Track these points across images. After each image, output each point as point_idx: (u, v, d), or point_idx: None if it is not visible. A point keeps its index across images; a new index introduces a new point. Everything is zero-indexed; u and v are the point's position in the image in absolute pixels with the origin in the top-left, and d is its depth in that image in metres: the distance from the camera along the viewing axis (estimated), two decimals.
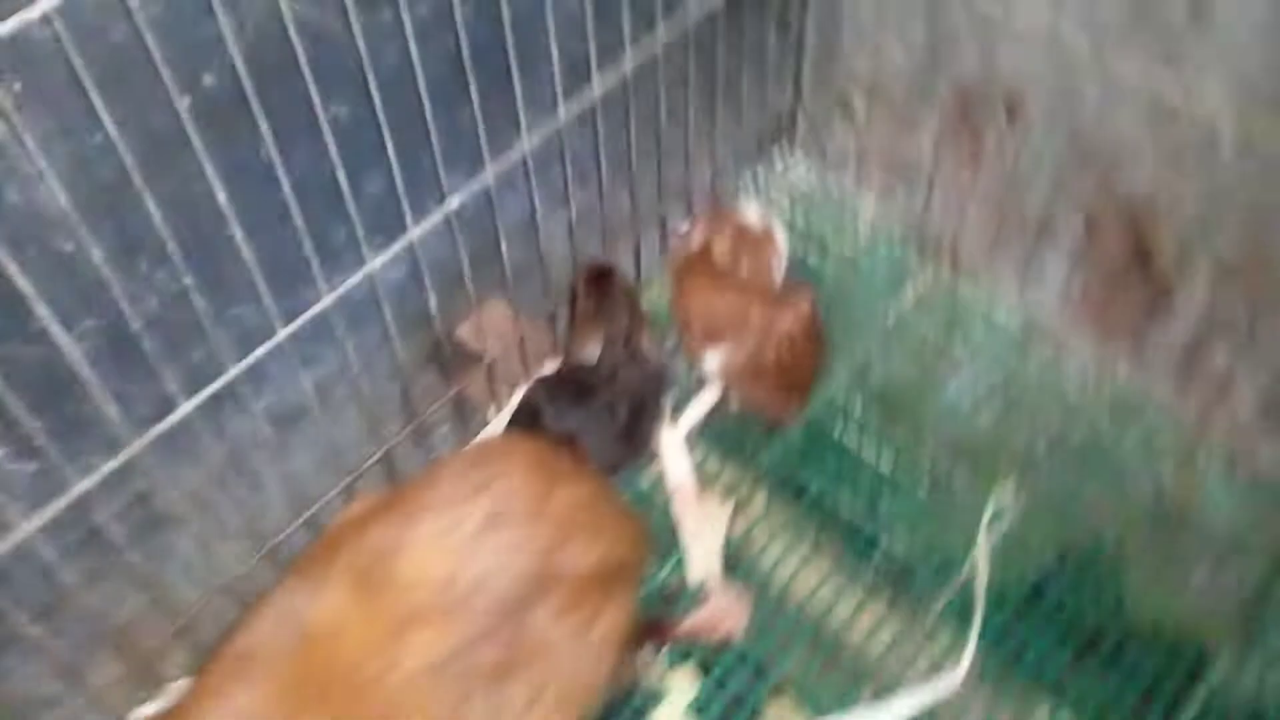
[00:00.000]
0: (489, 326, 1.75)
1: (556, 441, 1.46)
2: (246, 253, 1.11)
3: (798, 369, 1.63)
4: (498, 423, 1.73)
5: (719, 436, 1.67)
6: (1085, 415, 1.65)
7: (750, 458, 1.73)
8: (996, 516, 1.63)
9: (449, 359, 1.67)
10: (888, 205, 1.95)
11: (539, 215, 1.51)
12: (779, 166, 2.06)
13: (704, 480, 1.61)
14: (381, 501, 1.36)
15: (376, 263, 1.35)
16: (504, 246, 1.48)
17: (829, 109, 2.01)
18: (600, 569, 1.36)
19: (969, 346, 1.82)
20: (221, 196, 1.03)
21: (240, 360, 1.18)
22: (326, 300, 1.31)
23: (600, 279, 1.68)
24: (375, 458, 1.57)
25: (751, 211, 1.71)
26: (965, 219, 1.79)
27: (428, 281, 1.38)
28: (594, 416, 1.59)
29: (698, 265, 1.65)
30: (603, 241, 1.69)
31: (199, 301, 1.10)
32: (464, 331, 1.82)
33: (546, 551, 1.31)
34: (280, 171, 1.08)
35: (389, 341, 1.39)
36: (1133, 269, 1.60)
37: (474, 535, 1.31)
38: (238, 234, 1.08)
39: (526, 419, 1.62)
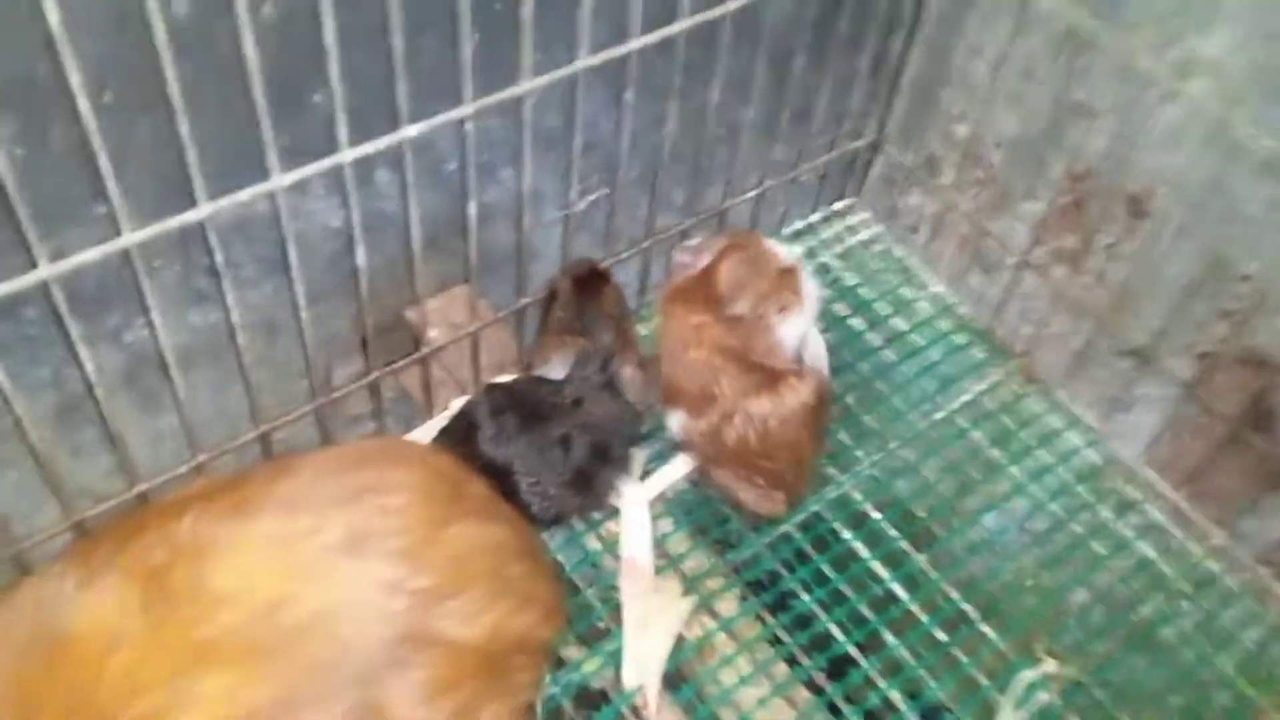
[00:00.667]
0: (441, 313, 1.41)
1: (484, 469, 1.23)
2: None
3: (775, 460, 1.29)
4: (423, 431, 1.37)
5: (693, 510, 1.38)
6: (1159, 586, 1.43)
7: (727, 546, 1.36)
8: (1030, 690, 1.25)
9: (387, 340, 1.33)
10: (959, 288, 1.73)
11: (527, 186, 1.18)
12: (838, 216, 1.72)
13: (665, 560, 1.38)
14: (220, 484, 1.00)
15: (286, 180, 1.02)
16: (473, 215, 1.15)
17: (911, 164, 1.68)
18: (493, 641, 1.00)
19: (1025, 470, 1.45)
20: None
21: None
22: (204, 209, 0.98)
23: (588, 282, 1.34)
24: (248, 437, 1.21)
25: (785, 249, 1.36)
26: (1051, 323, 1.62)
27: (356, 227, 1.05)
28: (542, 448, 1.24)
29: (690, 295, 1.30)
30: (605, 246, 1.35)
31: None
32: (413, 313, 1.48)
33: (424, 603, 0.96)
34: None
35: (304, 295, 1.16)
36: (1247, 430, 1.41)
37: (327, 554, 0.96)
38: None
39: (459, 435, 1.28)
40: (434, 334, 1.51)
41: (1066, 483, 1.49)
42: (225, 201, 1.00)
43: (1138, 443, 1.55)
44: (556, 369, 1.32)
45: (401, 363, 1.33)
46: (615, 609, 1.30)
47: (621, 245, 1.48)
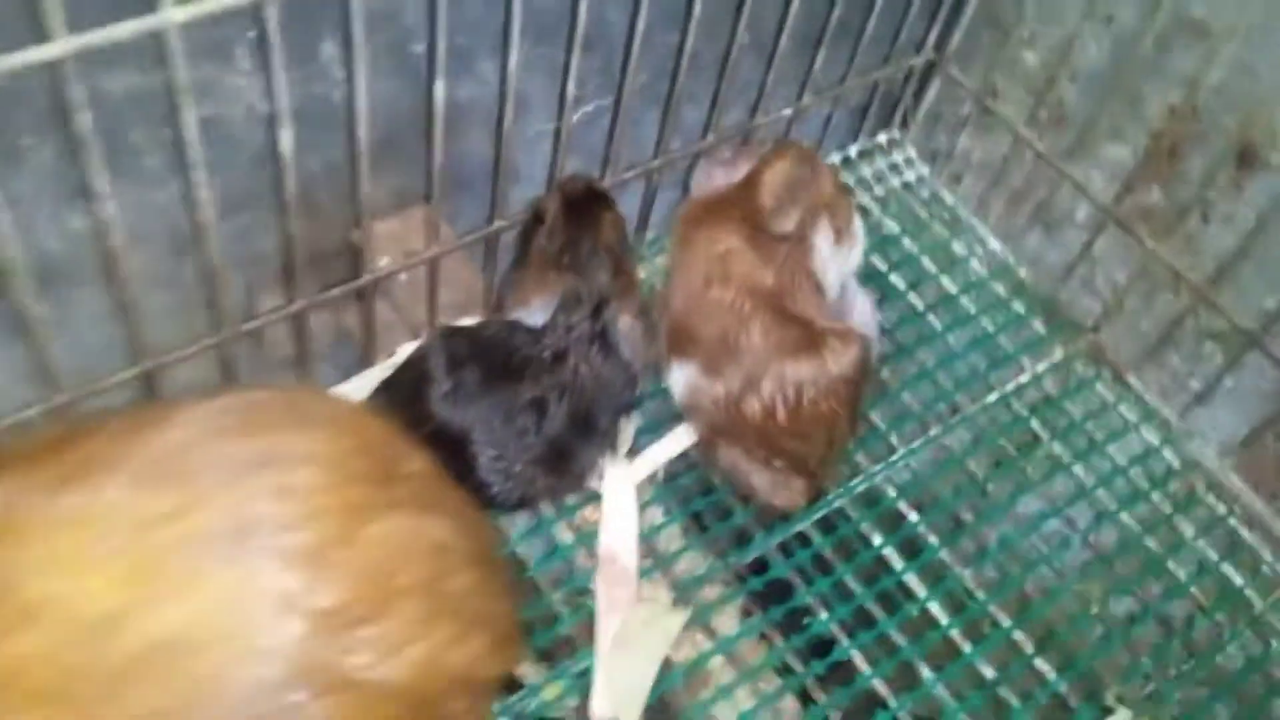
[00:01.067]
0: (395, 238, 1.13)
1: (433, 438, 0.95)
2: None
3: (805, 440, 1.03)
4: (358, 383, 1.10)
5: (690, 498, 1.20)
6: (1247, 619, 1.18)
7: (730, 545, 1.10)
8: None
9: (328, 269, 1.06)
10: (1019, 246, 1.51)
11: (512, 81, 1.01)
12: (881, 150, 1.44)
13: (652, 559, 1.13)
14: (54, 440, 0.73)
15: (178, 15, 0.73)
16: (439, 101, 0.90)
17: (971, 93, 1.41)
18: (424, 682, 0.74)
19: (1090, 470, 1.20)
20: None
21: None
22: (59, 46, 0.69)
23: (583, 206, 1.06)
24: (124, 375, 0.93)
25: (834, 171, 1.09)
26: (1129, 295, 1.37)
27: (280, 97, 0.88)
28: (509, 412, 0.98)
29: (720, 212, 1.07)
30: (605, 164, 1.06)
31: None
32: (360, 236, 1.20)
33: (329, 628, 0.72)
34: None
35: (214, 197, 0.90)
36: None
37: (193, 550, 0.69)
38: None
39: (404, 392, 1.02)
40: (384, 262, 1.23)
41: (1140, 488, 1.23)
42: (94, 37, 0.71)
43: (1225, 445, 1.30)
44: (535, 313, 1.04)
45: (334, 292, 1.05)
46: (587, 619, 1.04)
47: (622, 162, 1.20)
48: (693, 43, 1.12)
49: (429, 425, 1.00)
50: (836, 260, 1.05)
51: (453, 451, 1.00)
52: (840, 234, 1.05)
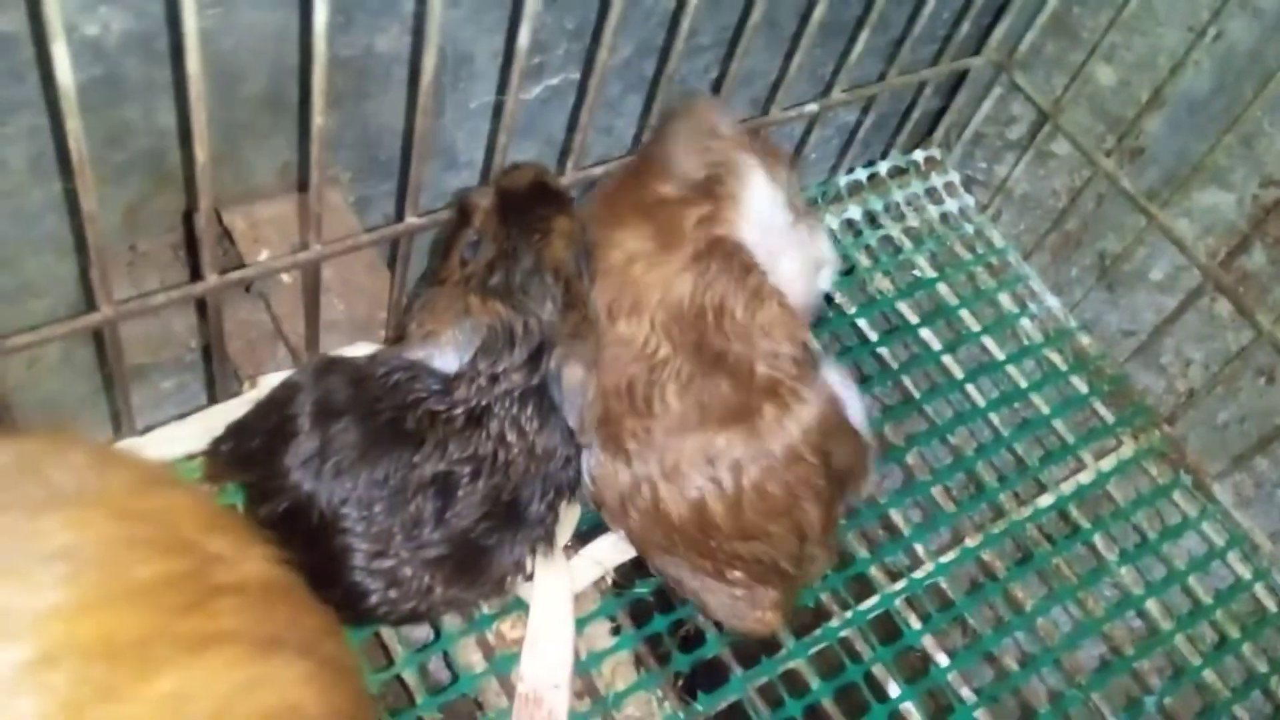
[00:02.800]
0: (282, 223, 0.83)
1: (285, 520, 0.70)
2: None
3: (761, 540, 0.77)
4: (195, 425, 0.78)
5: (646, 614, 0.89)
6: None
7: (697, 687, 0.81)
8: None
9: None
10: (1082, 306, 1.23)
11: (434, 19, 0.70)
12: (918, 171, 1.15)
13: (592, 701, 0.83)
14: None
15: None
16: (319, 29, 0.62)
17: (1036, 109, 1.12)
18: None
19: (1164, 600, 0.92)
20: None
21: None
22: None
23: (526, 208, 0.76)
24: None
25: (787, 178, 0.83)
26: (1219, 381, 1.10)
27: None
28: (399, 492, 0.67)
29: (621, 201, 0.82)
30: (565, 155, 0.78)
31: None
32: (240, 220, 0.91)
33: None
34: None
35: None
36: None
37: None
38: None
39: (259, 443, 0.70)
40: (264, 256, 0.93)
41: (1227, 635, 0.95)
42: None
43: None
44: (447, 351, 0.74)
45: (158, 298, 0.73)
46: None
47: (589, 162, 0.89)
48: (694, 11, 0.82)
49: (282, 500, 0.69)
50: (780, 222, 0.77)
51: (315, 542, 0.69)
52: (776, 174, 0.77)
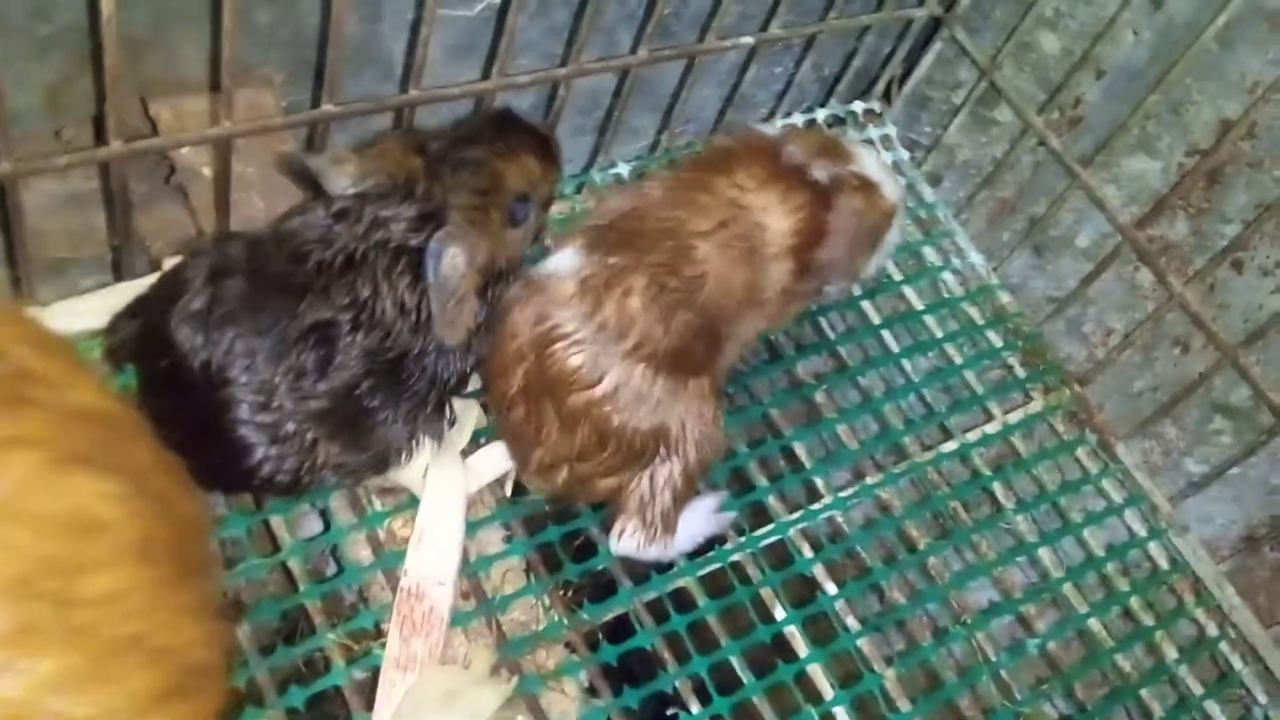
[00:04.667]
0: (197, 115, 0.83)
1: (172, 378, 0.71)
2: None
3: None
4: (101, 300, 0.78)
5: (544, 525, 0.89)
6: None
7: (584, 598, 0.82)
8: None
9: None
10: (1005, 264, 1.20)
11: None
12: (855, 121, 1.17)
13: (478, 601, 0.83)
14: None
15: None
16: None
17: (975, 70, 1.14)
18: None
19: (1058, 555, 0.95)
20: None
21: None
22: None
23: (523, 131, 0.81)
24: None
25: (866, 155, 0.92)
26: (1130, 345, 1.09)
27: None
28: (281, 340, 0.70)
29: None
30: (490, 62, 0.77)
31: None
32: (164, 111, 0.90)
33: None
34: None
35: None
36: None
37: None
38: None
39: (159, 305, 0.72)
40: (185, 152, 0.92)
41: (1116, 589, 0.98)
42: None
43: (1214, 542, 1.04)
44: (343, 180, 0.73)
45: (60, 160, 0.73)
46: (370, 674, 0.74)
47: (514, 70, 0.89)
48: None
49: (168, 355, 0.69)
50: None
51: (201, 398, 0.69)
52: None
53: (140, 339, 0.73)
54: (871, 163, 0.92)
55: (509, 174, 0.77)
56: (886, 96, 1.21)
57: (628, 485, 0.82)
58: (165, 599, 0.53)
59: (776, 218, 0.84)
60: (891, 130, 1.19)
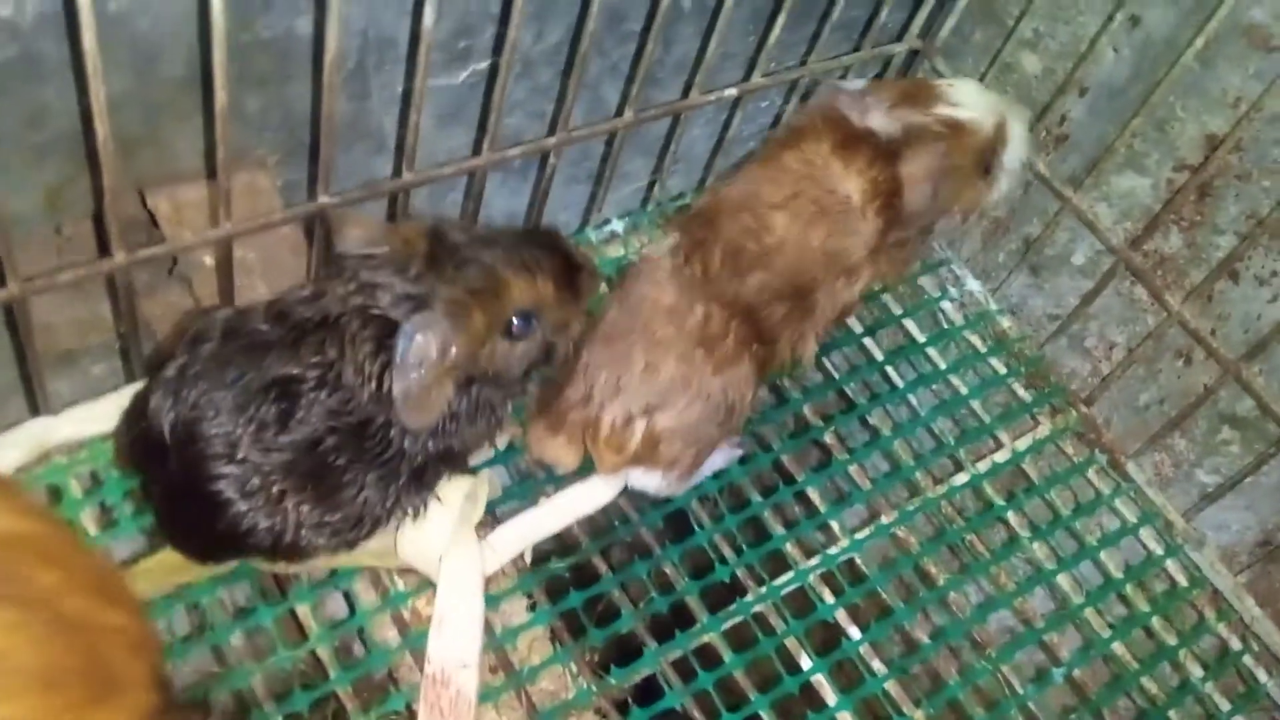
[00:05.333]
0: (204, 206, 0.84)
1: (145, 445, 0.73)
2: None
3: None
4: (113, 402, 0.79)
5: (566, 592, 0.91)
6: None
7: (610, 661, 0.83)
8: None
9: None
10: (1003, 289, 1.23)
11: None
12: None
13: (505, 674, 0.85)
14: None
15: None
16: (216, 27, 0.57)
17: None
18: None
19: (1075, 575, 0.96)
20: None
21: None
22: None
23: (550, 251, 0.80)
24: None
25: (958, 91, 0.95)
26: (1134, 363, 1.10)
27: None
28: (245, 394, 0.71)
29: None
30: (481, 134, 0.80)
31: None
32: (163, 203, 0.91)
33: None
34: None
35: None
36: None
37: None
38: None
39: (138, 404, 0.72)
40: (188, 237, 0.93)
41: (1138, 611, 0.98)
42: None
43: (1230, 550, 1.05)
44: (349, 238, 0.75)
45: (64, 276, 0.74)
46: None
47: (505, 143, 0.90)
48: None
49: (143, 423, 0.71)
50: None
51: (177, 461, 0.71)
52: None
53: (132, 431, 0.74)
54: (964, 97, 0.94)
55: (514, 286, 0.76)
56: None
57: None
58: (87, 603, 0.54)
59: (845, 181, 0.89)
60: None
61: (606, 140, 1.03)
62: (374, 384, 0.71)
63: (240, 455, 0.70)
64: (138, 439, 0.71)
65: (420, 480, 0.77)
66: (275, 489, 0.71)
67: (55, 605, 0.55)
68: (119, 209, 0.76)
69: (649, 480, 0.87)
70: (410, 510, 0.77)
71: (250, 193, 0.97)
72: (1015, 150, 0.96)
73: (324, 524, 0.74)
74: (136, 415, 0.72)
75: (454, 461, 0.79)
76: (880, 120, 0.92)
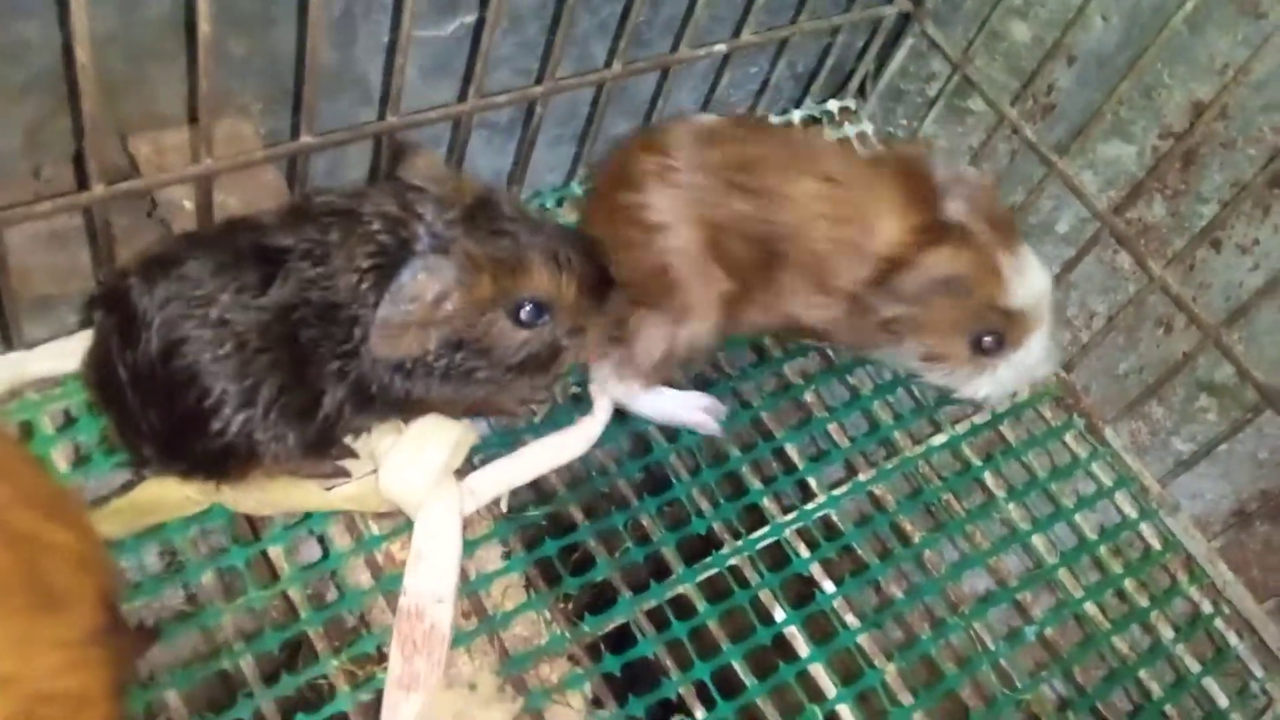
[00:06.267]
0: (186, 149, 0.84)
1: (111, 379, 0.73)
2: None
3: None
4: (87, 339, 0.79)
5: (542, 541, 0.90)
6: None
7: (584, 610, 0.83)
8: None
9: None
10: None
11: None
12: (831, 120, 1.18)
13: (480, 620, 0.84)
14: None
15: None
16: None
17: (948, 62, 1.14)
18: None
19: (1050, 536, 0.97)
20: None
21: None
22: None
23: (586, 253, 0.79)
24: None
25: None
26: (1113, 330, 1.09)
27: None
28: (230, 259, 0.72)
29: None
30: (467, 84, 0.83)
31: None
32: (145, 146, 0.91)
33: None
34: None
35: None
36: None
37: None
38: None
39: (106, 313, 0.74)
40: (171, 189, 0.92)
41: (1111, 573, 0.99)
42: None
43: (1206, 518, 1.06)
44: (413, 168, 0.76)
45: (44, 205, 0.73)
46: (374, 699, 0.75)
47: (490, 90, 0.90)
48: None
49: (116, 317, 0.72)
50: None
51: (151, 341, 0.70)
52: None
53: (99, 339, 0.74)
54: (1031, 280, 0.88)
55: (534, 272, 0.75)
56: (861, 93, 1.21)
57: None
58: (11, 629, 0.55)
59: (888, 223, 0.85)
60: (868, 127, 1.20)
61: (593, 98, 1.02)
62: (357, 278, 0.70)
63: (217, 310, 0.69)
64: (111, 334, 0.71)
65: (368, 402, 0.76)
66: (247, 362, 0.70)
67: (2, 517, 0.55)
68: (99, 151, 0.75)
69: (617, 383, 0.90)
70: (353, 428, 0.78)
71: (233, 139, 0.96)
72: (1027, 357, 0.90)
73: (287, 408, 0.72)
74: (112, 299, 0.72)
75: (408, 408, 0.79)
76: (956, 205, 0.87)
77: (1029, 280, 0.87)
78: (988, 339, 0.88)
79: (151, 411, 0.71)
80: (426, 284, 0.70)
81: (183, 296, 0.70)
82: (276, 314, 0.70)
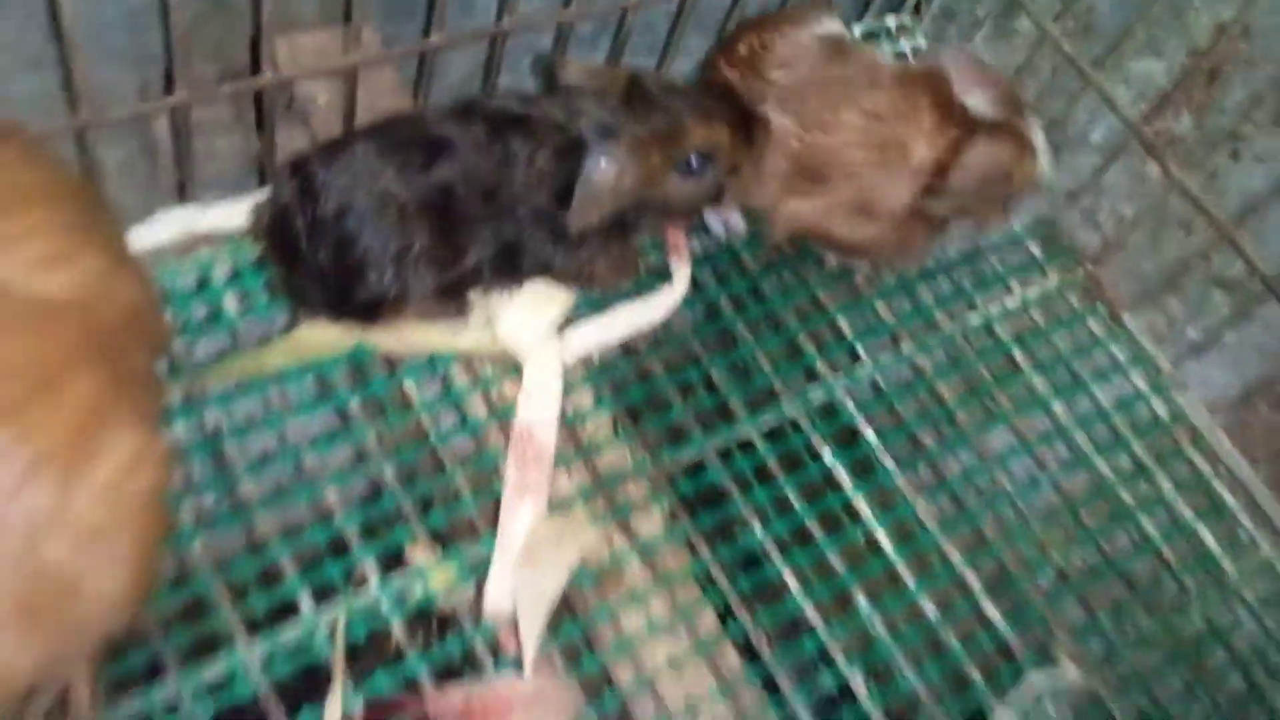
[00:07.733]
0: (321, 51, 0.99)
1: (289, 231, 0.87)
2: None
3: None
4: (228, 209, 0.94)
5: (625, 386, 1.06)
6: (1219, 586, 1.08)
7: (663, 445, 0.98)
8: (1038, 702, 0.91)
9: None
10: None
11: None
12: (887, 36, 1.30)
13: (575, 449, 1.00)
14: None
15: None
16: None
17: None
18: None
19: (1071, 409, 1.10)
20: None
21: None
22: None
23: (732, 104, 0.98)
24: None
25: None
26: (1138, 228, 1.22)
27: None
28: (398, 141, 0.86)
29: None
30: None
31: None
32: (283, 49, 1.05)
33: None
34: None
35: None
36: None
37: None
38: None
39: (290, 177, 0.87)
40: (307, 85, 1.07)
41: (1121, 435, 1.12)
42: None
43: (1216, 402, 1.18)
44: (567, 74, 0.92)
45: (224, 87, 0.89)
46: (493, 503, 0.91)
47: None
48: None
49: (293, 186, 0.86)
50: None
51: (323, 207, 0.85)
52: None
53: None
54: (1039, 135, 1.03)
55: (694, 131, 0.90)
56: (917, 10, 1.34)
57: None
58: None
59: (921, 144, 0.98)
60: (922, 43, 1.32)
61: (677, 8, 1.15)
62: (534, 175, 0.86)
63: (381, 188, 0.84)
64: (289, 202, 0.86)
65: (506, 266, 0.91)
66: (402, 215, 0.84)
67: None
68: (270, 42, 0.90)
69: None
70: (482, 286, 0.92)
71: (359, 44, 1.11)
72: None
73: (433, 259, 0.86)
74: (296, 168, 0.87)
75: (536, 275, 0.94)
76: (975, 98, 1.00)
77: (1040, 138, 1.02)
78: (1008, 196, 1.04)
79: (323, 258, 0.87)
80: (607, 169, 0.85)
81: (352, 170, 0.85)
82: (436, 190, 0.85)
